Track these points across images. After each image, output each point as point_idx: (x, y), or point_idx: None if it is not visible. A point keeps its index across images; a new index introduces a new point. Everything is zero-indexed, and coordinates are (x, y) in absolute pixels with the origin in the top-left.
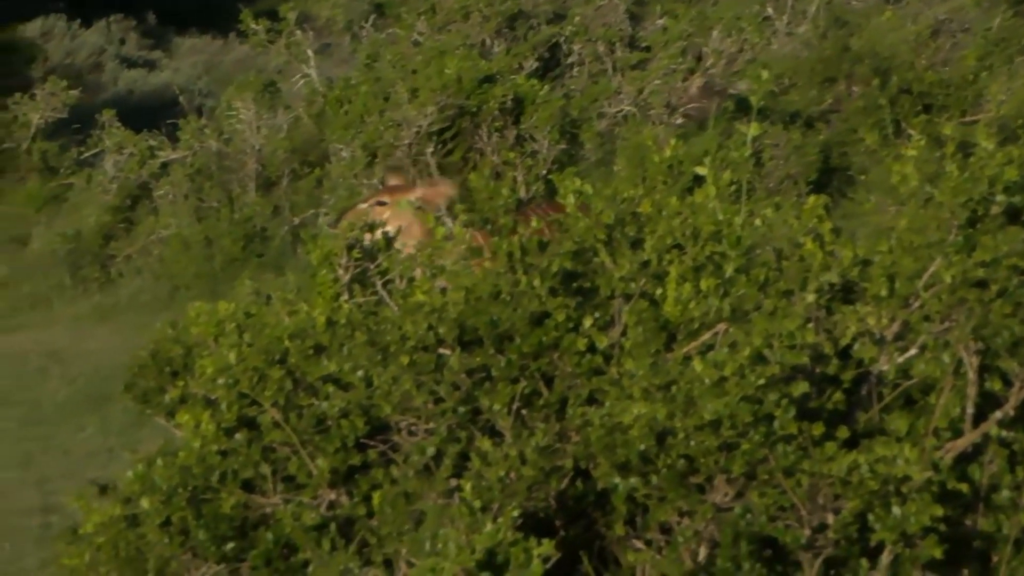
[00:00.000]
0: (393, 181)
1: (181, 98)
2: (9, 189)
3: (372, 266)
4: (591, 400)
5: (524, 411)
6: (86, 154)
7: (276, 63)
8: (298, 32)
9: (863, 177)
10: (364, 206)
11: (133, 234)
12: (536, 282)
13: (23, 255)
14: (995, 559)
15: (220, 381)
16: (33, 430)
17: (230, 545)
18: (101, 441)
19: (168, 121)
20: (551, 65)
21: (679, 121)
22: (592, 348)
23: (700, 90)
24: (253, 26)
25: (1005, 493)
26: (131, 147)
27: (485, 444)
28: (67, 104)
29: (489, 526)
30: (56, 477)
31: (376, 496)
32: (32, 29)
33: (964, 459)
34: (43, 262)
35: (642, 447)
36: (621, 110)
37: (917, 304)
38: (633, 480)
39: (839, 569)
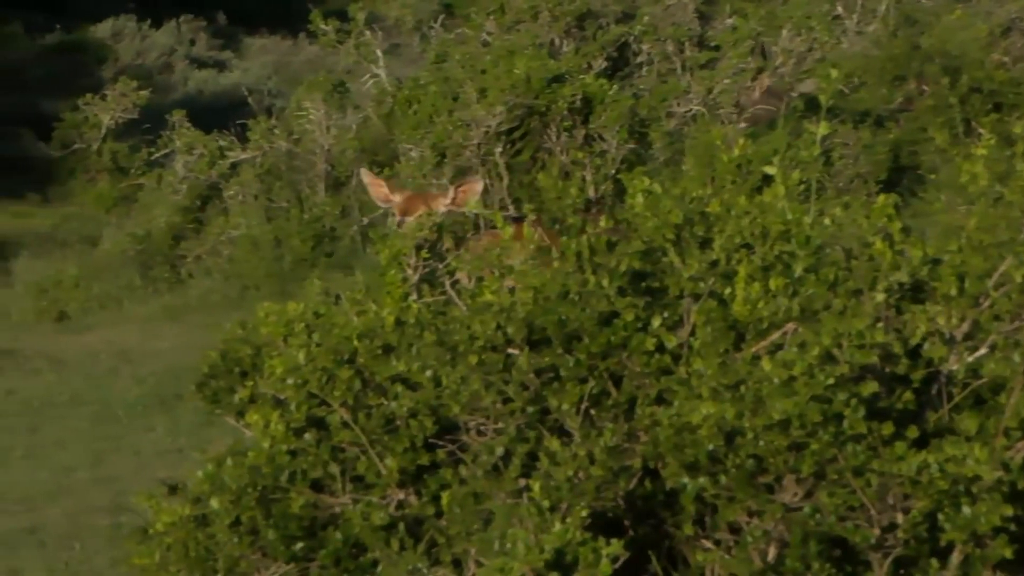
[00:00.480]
0: (399, 195)
1: (250, 98)
2: (80, 189)
3: (441, 266)
4: (660, 400)
5: (592, 411)
6: (156, 155)
7: (345, 63)
8: (367, 32)
9: (933, 176)
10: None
11: (203, 234)
12: (605, 282)
13: (93, 255)
14: None
15: (289, 381)
16: (103, 429)
17: (299, 545)
18: (171, 441)
19: (238, 121)
20: (620, 64)
21: (742, 126)
22: (661, 348)
23: (764, 93)
24: (322, 26)
25: None
26: (201, 147)
27: (553, 444)
28: (137, 105)
29: (558, 526)
30: (126, 476)
31: (445, 496)
32: (103, 30)
33: None
34: (113, 262)
35: (711, 447)
36: (690, 110)
37: (987, 303)
38: (702, 480)
39: (909, 569)
